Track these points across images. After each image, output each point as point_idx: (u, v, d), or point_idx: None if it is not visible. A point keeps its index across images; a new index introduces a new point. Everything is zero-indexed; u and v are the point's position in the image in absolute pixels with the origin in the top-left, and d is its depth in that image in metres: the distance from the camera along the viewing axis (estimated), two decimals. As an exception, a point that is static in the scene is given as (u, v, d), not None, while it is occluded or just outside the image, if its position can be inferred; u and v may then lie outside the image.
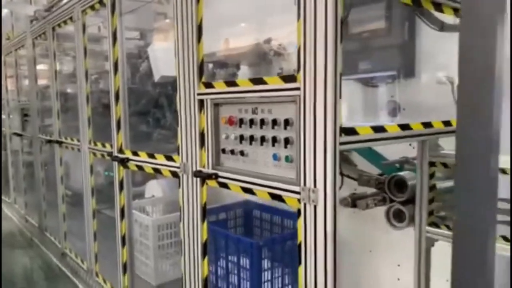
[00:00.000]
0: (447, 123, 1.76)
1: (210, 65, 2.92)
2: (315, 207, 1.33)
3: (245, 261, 2.63)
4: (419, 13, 1.83)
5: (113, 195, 2.59)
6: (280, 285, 2.63)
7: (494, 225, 0.94)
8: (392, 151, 2.18)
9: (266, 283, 2.58)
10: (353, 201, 2.13)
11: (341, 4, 1.23)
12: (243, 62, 2.96)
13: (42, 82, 4.25)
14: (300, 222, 1.40)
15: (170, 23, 1.94)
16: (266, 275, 2.59)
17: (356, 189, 2.31)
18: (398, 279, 2.42)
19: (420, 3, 1.65)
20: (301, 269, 1.41)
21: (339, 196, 2.20)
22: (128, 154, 2.38)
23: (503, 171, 1.51)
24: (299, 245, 1.41)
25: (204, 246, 1.88)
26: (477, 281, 0.92)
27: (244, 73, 2.93)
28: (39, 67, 4.22)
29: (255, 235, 3.21)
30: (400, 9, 2.08)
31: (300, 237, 1.41)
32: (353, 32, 2.42)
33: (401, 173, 1.89)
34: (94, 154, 2.87)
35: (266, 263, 2.59)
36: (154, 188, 3.70)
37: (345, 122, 2.21)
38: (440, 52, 2.14)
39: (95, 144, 2.83)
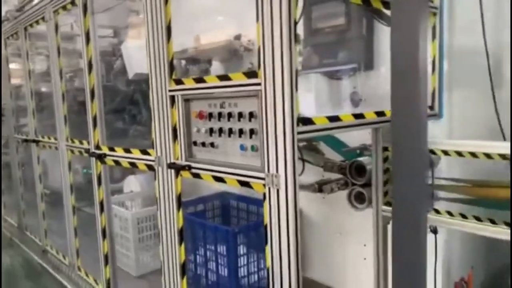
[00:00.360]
0: (380, 114, 1.92)
1: (183, 62, 3.02)
2: (277, 190, 1.47)
3: (222, 248, 2.77)
4: (370, 11, 1.98)
5: (92, 193, 2.68)
6: (255, 269, 2.78)
7: (424, 199, 1.09)
8: (354, 139, 2.34)
9: (242, 268, 2.73)
10: (320, 187, 2.30)
11: (294, 8, 1.36)
12: (215, 58, 3.07)
13: (15, 81, 4.26)
14: (266, 205, 1.54)
15: (143, 20, 2.03)
16: (243, 260, 2.73)
17: (323, 175, 2.47)
18: (365, 259, 2.59)
19: (370, 2, 1.79)
20: (268, 248, 1.56)
21: (308, 182, 2.37)
22: (105, 150, 2.47)
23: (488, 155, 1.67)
24: (266, 226, 1.55)
25: (181, 233, 2.00)
26: (411, 247, 1.08)
27: (216, 69, 3.04)
28: (12, 66, 4.22)
29: (233, 224, 3.35)
30: (357, 6, 2.23)
31: (266, 219, 1.55)
32: (317, 27, 2.57)
33: (360, 159, 2.05)
34: (72, 151, 2.94)
35: (242, 249, 2.73)
36: (132, 184, 3.79)
37: (312, 112, 2.35)
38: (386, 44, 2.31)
39: (73, 142, 2.90)
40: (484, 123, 2.17)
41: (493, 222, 1.57)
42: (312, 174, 2.56)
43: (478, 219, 1.60)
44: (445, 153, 1.62)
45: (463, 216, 1.62)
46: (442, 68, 2.11)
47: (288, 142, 1.42)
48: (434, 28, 2.06)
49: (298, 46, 2.68)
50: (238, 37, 2.92)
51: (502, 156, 1.46)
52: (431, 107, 2.11)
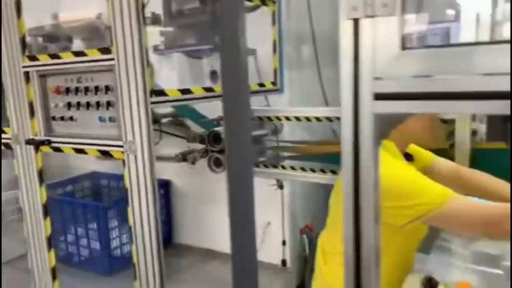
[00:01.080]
0: (246, 86, 2.23)
1: (40, 39, 2.92)
2: (135, 156, 1.65)
3: (93, 224, 2.84)
4: (217, -3, 2.24)
5: None
6: (128, 240, 2.91)
7: (250, 158, 1.37)
8: (216, 111, 2.59)
9: (114, 240, 2.84)
10: (184, 156, 2.52)
11: (140, -9, 1.52)
12: (76, 36, 3.04)
13: None
14: (126, 170, 1.70)
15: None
16: (114, 233, 2.84)
17: (189, 147, 2.70)
18: (229, 219, 2.92)
19: (213, -11, 2.04)
20: (129, 209, 1.73)
21: (173, 154, 2.57)
22: (-48, 132, 2.32)
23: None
24: (126, 190, 1.72)
25: (45, 208, 2.04)
26: (241, 198, 1.36)
27: (78, 47, 3.01)
28: None
29: (105, 202, 3.39)
30: (209, -9, 2.47)
31: (127, 183, 1.71)
32: (176, 10, 2.74)
33: (217, 128, 2.33)
34: None
35: (113, 223, 2.83)
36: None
37: (177, 87, 2.49)
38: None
39: None
40: (315, 94, 2.62)
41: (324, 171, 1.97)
42: (179, 147, 2.77)
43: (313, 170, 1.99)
44: (279, 119, 1.98)
45: (293, 168, 2.01)
46: (282, 50, 2.48)
47: (142, 112, 1.60)
48: (273, 14, 2.41)
49: (158, 27, 2.84)
50: (99, 16, 2.93)
51: (317, 119, 1.86)
52: (274, 83, 2.47)
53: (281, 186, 2.55)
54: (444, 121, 1.69)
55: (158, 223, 1.71)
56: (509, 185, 1.31)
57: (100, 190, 3.51)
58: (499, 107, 0.46)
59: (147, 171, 1.65)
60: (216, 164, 2.36)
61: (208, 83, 2.85)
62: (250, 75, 2.68)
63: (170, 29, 2.85)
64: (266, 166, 2.16)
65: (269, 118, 2.05)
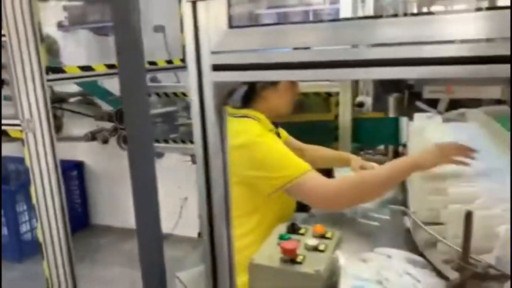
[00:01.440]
0: (152, 63, 2.27)
1: None
2: (34, 134, 1.63)
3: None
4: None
5: None
6: (39, 223, 2.83)
7: (149, 131, 1.43)
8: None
9: (24, 224, 2.74)
10: (93, 135, 2.51)
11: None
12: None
13: None
14: (26, 150, 1.67)
15: None
16: (23, 217, 2.74)
17: (98, 125, 2.67)
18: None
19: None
20: (32, 189, 1.71)
21: (81, 133, 2.53)
22: None
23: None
24: (28, 170, 1.70)
25: None
26: (144, 169, 1.42)
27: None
28: None
29: (12, 186, 3.24)
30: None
31: (27, 162, 1.69)
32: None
33: (125, 106, 2.33)
34: None
35: (22, 206, 2.73)
36: None
37: (83, 63, 2.43)
38: (155, 5, 2.60)
39: None
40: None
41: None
42: (90, 127, 2.73)
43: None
44: (185, 95, 2.05)
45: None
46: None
47: (39, 89, 1.58)
48: (179, -8, 2.43)
49: (60, 1, 2.73)
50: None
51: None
52: (183, 60, 2.52)
53: (195, 162, 2.63)
54: (329, 94, 1.89)
55: (64, 202, 1.72)
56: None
57: (9, 175, 3.33)
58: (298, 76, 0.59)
59: (48, 149, 1.64)
60: (125, 141, 2.37)
61: (115, 61, 2.82)
62: (159, 52, 2.69)
63: (74, 3, 2.75)
64: (175, 141, 2.23)
65: (175, 95, 2.11)
